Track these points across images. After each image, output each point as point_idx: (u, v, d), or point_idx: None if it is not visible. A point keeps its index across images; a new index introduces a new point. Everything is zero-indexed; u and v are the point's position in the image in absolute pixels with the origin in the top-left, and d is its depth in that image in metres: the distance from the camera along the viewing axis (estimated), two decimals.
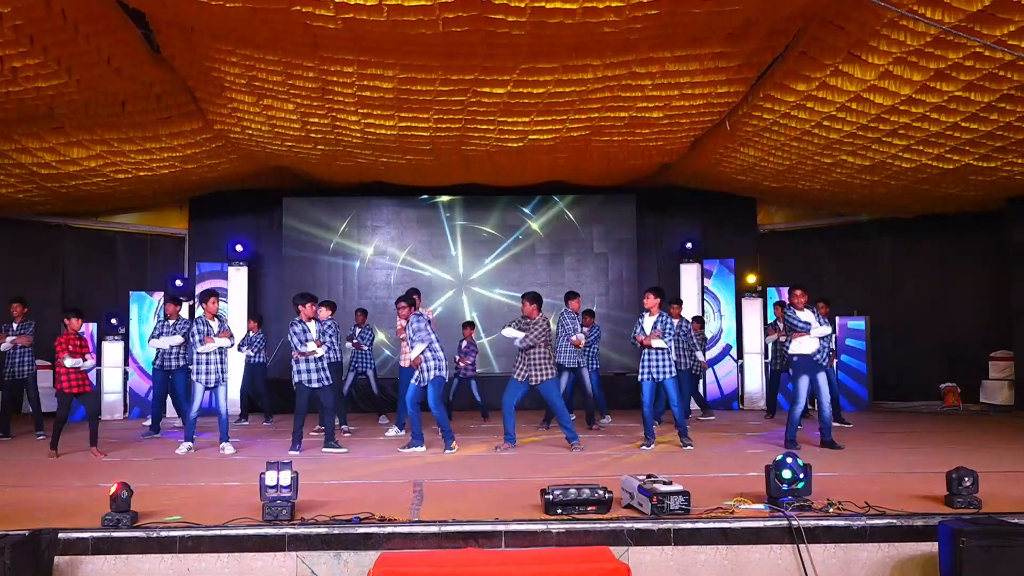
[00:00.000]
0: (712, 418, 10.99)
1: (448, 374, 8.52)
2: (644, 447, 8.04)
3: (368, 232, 13.63)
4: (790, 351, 8.12)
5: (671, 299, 10.56)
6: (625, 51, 7.46)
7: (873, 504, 4.82)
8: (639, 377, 8.23)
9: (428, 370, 8.03)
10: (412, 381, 8.15)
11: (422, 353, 8.03)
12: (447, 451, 7.86)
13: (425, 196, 13.57)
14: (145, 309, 12.13)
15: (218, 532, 4.47)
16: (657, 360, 8.11)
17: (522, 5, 6.25)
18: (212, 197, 13.21)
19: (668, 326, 8.10)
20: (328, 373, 8.19)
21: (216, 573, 4.40)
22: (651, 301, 8.21)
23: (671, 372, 8.12)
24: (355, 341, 10.69)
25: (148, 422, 10.02)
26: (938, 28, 6.26)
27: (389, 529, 4.50)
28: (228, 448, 8.02)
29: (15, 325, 9.51)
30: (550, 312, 10.85)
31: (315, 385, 8.02)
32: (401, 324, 8.60)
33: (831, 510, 4.75)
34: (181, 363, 9.53)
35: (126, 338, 12.05)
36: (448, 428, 8.04)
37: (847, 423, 9.89)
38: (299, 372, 8.02)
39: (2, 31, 6.34)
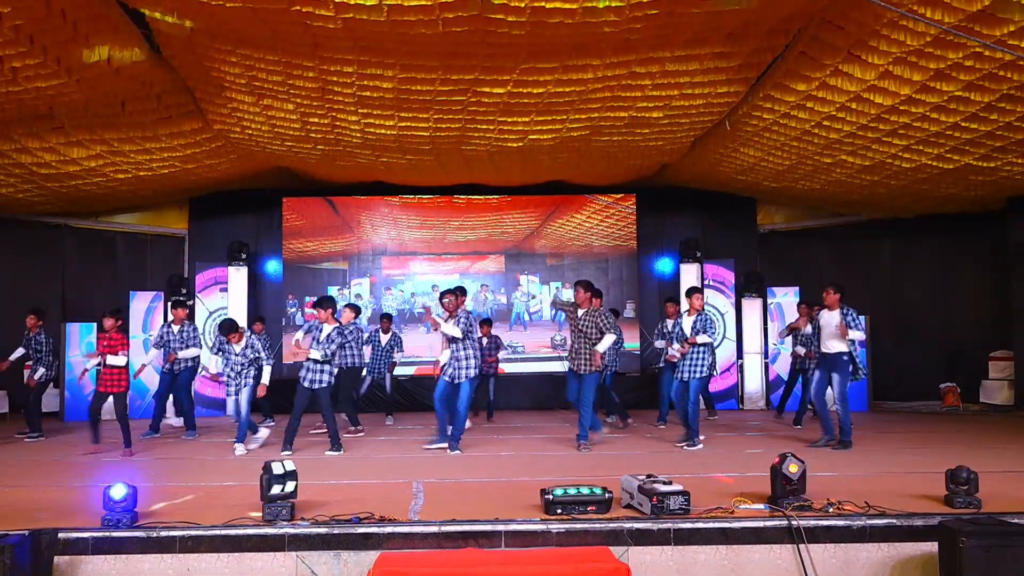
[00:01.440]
0: (715, 418, 10.99)
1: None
2: (690, 446, 7.98)
3: (366, 232, 13.64)
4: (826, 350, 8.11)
5: (667, 297, 10.55)
6: (625, 51, 7.46)
7: (873, 504, 4.82)
8: (681, 377, 8.17)
9: (469, 368, 7.97)
10: (444, 378, 8.06)
11: (465, 351, 7.98)
12: (453, 452, 7.84)
13: (425, 196, 13.57)
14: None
15: (218, 532, 4.47)
16: (701, 359, 8.10)
17: (522, 5, 6.26)
18: (212, 197, 13.20)
19: (708, 323, 8.15)
20: (323, 376, 8.06)
21: (216, 573, 4.40)
22: (699, 301, 8.29)
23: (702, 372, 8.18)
24: (395, 362, 10.87)
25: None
26: (938, 28, 6.27)
27: (389, 529, 4.50)
28: (240, 449, 8.01)
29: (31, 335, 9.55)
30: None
31: (307, 385, 7.99)
32: (443, 316, 8.43)
33: (831, 510, 4.75)
34: (190, 365, 9.59)
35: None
36: (463, 430, 8.04)
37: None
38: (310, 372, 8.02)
39: (2, 31, 6.34)
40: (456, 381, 7.98)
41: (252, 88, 8.43)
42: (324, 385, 8.01)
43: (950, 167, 9.45)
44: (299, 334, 8.20)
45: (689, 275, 12.97)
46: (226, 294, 12.53)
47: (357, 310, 9.98)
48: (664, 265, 13.66)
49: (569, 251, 13.72)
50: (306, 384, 7.99)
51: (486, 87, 8.15)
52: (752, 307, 12.75)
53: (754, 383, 12.62)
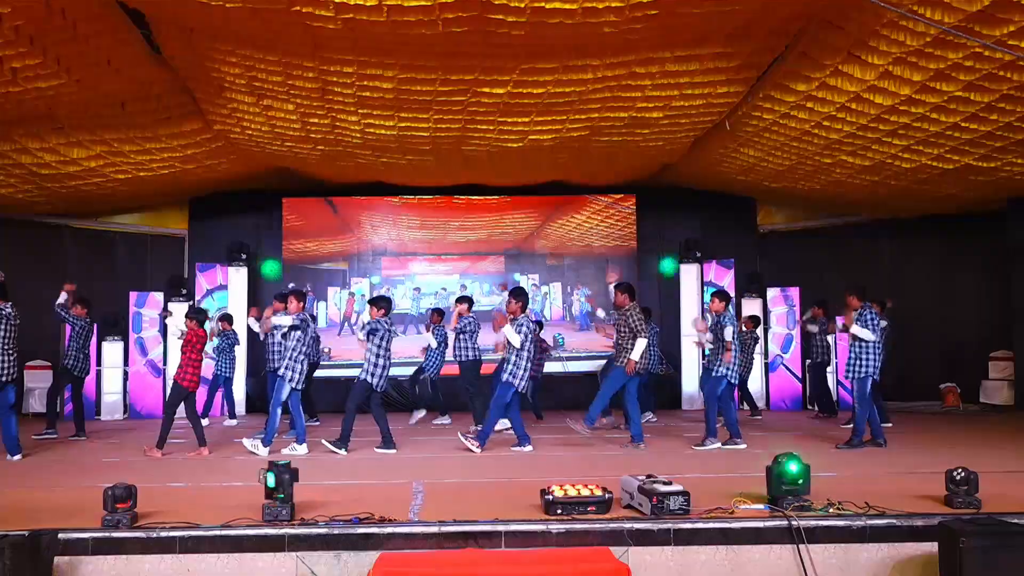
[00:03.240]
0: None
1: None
2: (737, 446, 7.98)
3: (366, 232, 13.64)
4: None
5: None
6: (625, 51, 7.47)
7: (873, 504, 4.82)
8: (715, 373, 8.17)
9: (515, 376, 7.88)
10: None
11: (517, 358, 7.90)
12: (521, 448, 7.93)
13: (425, 196, 13.56)
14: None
15: (218, 532, 4.46)
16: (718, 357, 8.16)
17: (522, 5, 6.26)
18: (212, 197, 13.20)
19: (730, 321, 8.15)
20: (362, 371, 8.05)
21: (216, 573, 4.39)
22: (716, 304, 8.30)
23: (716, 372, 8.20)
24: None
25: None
26: (938, 28, 6.27)
27: (389, 529, 4.49)
28: (301, 448, 7.87)
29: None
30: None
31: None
32: (505, 317, 8.39)
33: (831, 510, 4.74)
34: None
35: (125, 338, 12.05)
36: (489, 432, 8.04)
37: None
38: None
39: (2, 31, 6.35)
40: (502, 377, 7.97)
41: (252, 88, 8.43)
42: (360, 379, 8.10)
43: (950, 167, 9.45)
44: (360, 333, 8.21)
45: (689, 275, 12.98)
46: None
47: (470, 302, 9.91)
48: (666, 266, 13.61)
49: (569, 251, 13.72)
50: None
51: (486, 87, 8.16)
52: (752, 307, 12.76)
53: (754, 383, 12.61)
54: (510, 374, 7.86)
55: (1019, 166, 9.30)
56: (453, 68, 7.69)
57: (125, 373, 12.03)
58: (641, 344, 7.86)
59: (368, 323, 8.20)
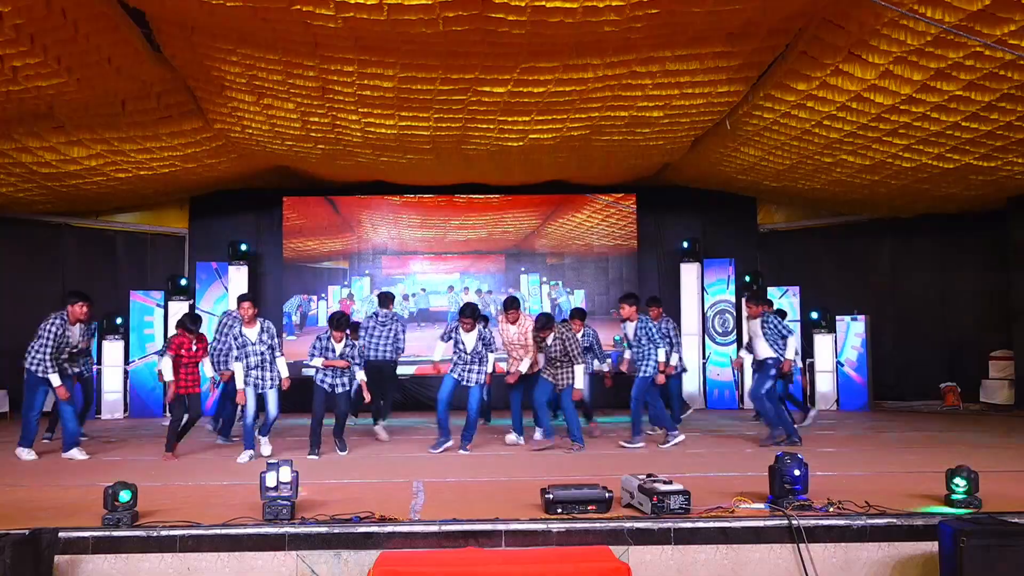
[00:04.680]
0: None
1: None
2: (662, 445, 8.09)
3: (367, 231, 13.64)
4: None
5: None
6: (625, 50, 7.47)
7: (873, 504, 4.82)
8: (643, 374, 8.23)
9: (481, 373, 8.04)
10: (452, 375, 8.04)
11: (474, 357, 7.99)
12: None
13: (425, 195, 13.56)
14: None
15: (218, 531, 4.47)
16: (645, 359, 8.24)
17: (522, 5, 6.26)
18: (212, 197, 13.20)
19: (648, 330, 8.19)
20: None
21: (216, 572, 4.40)
22: (627, 310, 8.29)
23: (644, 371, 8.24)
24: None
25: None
26: (938, 27, 6.27)
27: (389, 528, 4.50)
28: (244, 457, 7.69)
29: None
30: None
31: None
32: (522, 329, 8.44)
33: (831, 510, 4.75)
34: None
35: (126, 338, 12.04)
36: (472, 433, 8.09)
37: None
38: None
39: (2, 30, 6.35)
40: (465, 384, 7.97)
41: (252, 87, 8.43)
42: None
43: (950, 167, 9.45)
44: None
45: (689, 275, 12.99)
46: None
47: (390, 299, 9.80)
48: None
49: (569, 251, 13.72)
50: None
51: (486, 86, 8.15)
52: None
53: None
54: (472, 373, 7.99)
55: (1019, 166, 9.30)
56: (453, 67, 7.68)
57: (125, 372, 12.04)
58: (579, 371, 7.93)
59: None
